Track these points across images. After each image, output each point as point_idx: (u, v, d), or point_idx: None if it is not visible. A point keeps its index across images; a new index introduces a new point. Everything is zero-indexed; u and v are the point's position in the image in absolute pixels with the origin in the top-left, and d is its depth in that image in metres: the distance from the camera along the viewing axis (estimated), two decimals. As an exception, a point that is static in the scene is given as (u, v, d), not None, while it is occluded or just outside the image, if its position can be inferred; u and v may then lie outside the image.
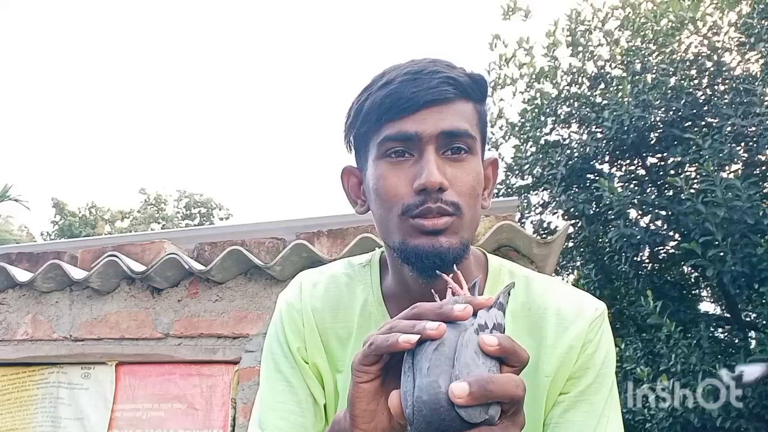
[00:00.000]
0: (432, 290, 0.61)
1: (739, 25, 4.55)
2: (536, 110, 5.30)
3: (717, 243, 3.76)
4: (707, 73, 4.67)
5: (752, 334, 4.67)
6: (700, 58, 4.68)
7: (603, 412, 0.72)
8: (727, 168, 4.25)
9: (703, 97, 4.66)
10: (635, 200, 4.28)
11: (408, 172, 0.68)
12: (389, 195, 0.69)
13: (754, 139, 4.37)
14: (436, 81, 0.68)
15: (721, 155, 4.00)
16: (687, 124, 4.55)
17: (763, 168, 4.56)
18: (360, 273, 0.81)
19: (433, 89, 0.68)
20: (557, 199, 5.05)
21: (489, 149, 0.80)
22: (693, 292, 5.70)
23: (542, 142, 5.32)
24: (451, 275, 0.61)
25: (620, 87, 4.50)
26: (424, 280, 0.69)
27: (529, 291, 0.77)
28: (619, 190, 4.17)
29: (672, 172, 4.68)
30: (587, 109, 4.90)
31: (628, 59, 4.82)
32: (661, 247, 5.09)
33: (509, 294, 0.62)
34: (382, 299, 0.78)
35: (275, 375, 0.77)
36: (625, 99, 4.39)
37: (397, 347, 0.51)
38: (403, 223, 0.69)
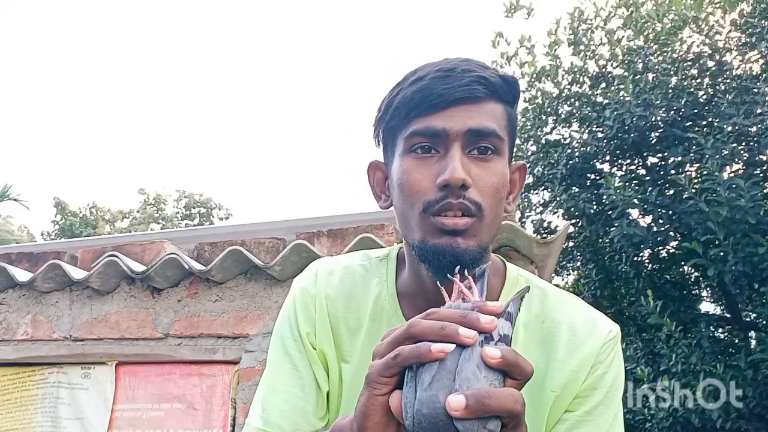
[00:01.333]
0: (443, 290, 0.60)
1: (740, 24, 4.54)
2: (537, 109, 5.29)
3: (718, 242, 3.76)
4: (708, 73, 4.67)
5: (752, 334, 4.67)
6: (702, 57, 4.67)
7: None
8: (728, 168, 4.25)
9: (704, 97, 4.66)
10: (636, 199, 4.28)
11: (432, 168, 0.68)
12: (412, 190, 0.69)
13: (756, 138, 4.37)
14: (467, 79, 0.68)
15: (723, 154, 3.99)
16: (688, 124, 4.54)
17: (764, 168, 4.55)
18: (376, 266, 0.81)
19: (463, 87, 0.68)
20: (558, 198, 5.05)
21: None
22: (693, 292, 5.69)
23: (543, 141, 5.31)
24: (458, 276, 0.60)
25: (621, 86, 4.50)
26: (440, 279, 0.68)
27: (544, 303, 0.77)
28: (617, 191, 4.16)
29: (672, 172, 4.68)
30: (588, 108, 4.89)
31: (630, 58, 4.81)
32: (662, 247, 5.09)
33: (522, 299, 0.61)
34: (396, 294, 0.78)
35: (283, 357, 0.78)
36: (627, 98, 4.38)
37: (430, 357, 0.49)
38: (424, 220, 0.68)
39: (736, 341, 4.82)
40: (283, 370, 0.77)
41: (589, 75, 5.18)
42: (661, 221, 4.48)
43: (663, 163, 4.97)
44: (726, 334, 5.21)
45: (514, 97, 0.73)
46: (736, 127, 4.15)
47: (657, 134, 4.76)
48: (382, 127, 0.76)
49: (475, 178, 0.68)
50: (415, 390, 0.48)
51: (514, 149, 0.76)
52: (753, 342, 4.49)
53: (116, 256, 2.52)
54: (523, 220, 5.53)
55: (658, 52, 4.74)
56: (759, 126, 4.15)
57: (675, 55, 4.67)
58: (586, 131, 5.09)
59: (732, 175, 4.12)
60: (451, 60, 0.72)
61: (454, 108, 0.68)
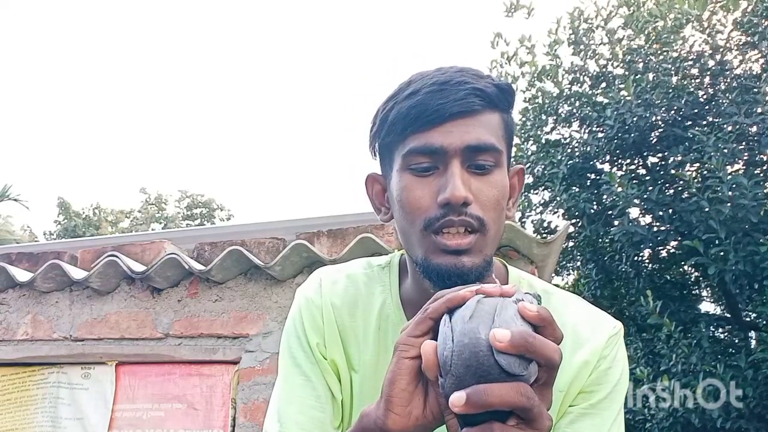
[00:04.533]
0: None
1: (743, 22, 4.53)
2: (537, 109, 5.29)
3: (719, 241, 3.76)
4: (709, 72, 4.66)
5: (753, 334, 4.67)
6: (702, 57, 4.67)
7: (610, 430, 0.71)
8: (728, 167, 4.25)
9: (704, 96, 4.66)
10: (637, 198, 4.28)
11: (432, 185, 0.68)
12: (412, 207, 0.69)
13: (756, 138, 4.37)
14: (462, 93, 0.67)
15: (724, 152, 4.00)
16: (688, 123, 4.55)
17: (765, 168, 4.55)
18: (379, 274, 0.81)
19: (459, 101, 0.67)
20: (558, 198, 5.05)
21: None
22: (693, 291, 5.69)
23: (543, 141, 5.31)
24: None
25: (622, 86, 4.50)
26: None
27: (548, 306, 0.76)
28: (619, 189, 4.16)
29: (672, 171, 4.68)
30: (589, 108, 4.89)
31: (630, 58, 4.81)
32: (662, 247, 5.09)
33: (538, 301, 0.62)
34: (400, 303, 0.78)
35: (294, 369, 0.77)
36: (628, 98, 4.38)
37: (458, 298, 0.52)
38: (426, 238, 0.68)
39: (736, 341, 4.82)
40: (295, 383, 0.76)
41: (590, 75, 5.18)
42: (661, 220, 4.48)
43: (663, 162, 4.97)
44: (726, 334, 5.21)
45: (510, 104, 0.73)
46: (737, 127, 4.15)
47: (657, 134, 4.76)
48: (377, 142, 0.75)
49: (475, 192, 0.67)
50: (452, 330, 0.49)
51: (513, 151, 0.76)
52: (753, 342, 4.49)
53: (116, 256, 2.52)
54: (523, 220, 5.52)
55: (659, 52, 4.74)
56: (759, 125, 4.15)
57: (675, 55, 4.67)
58: (587, 131, 5.09)
59: (733, 174, 4.12)
60: (444, 70, 0.71)
61: (450, 123, 0.67)
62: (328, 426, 0.74)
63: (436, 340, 0.52)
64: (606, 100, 4.72)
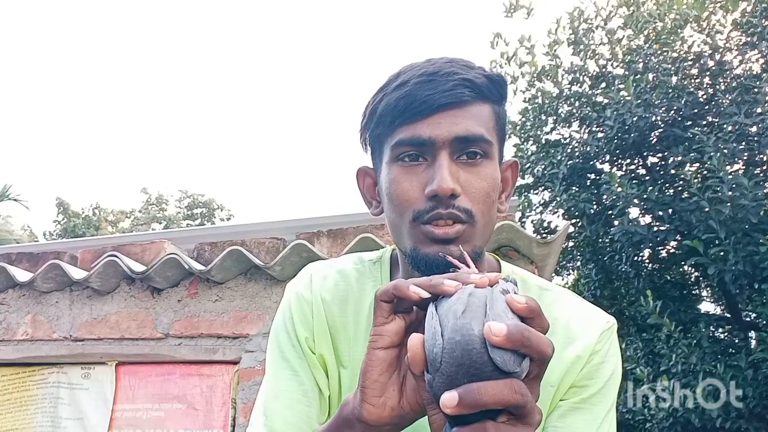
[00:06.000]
0: (449, 258, 0.61)
1: (742, 23, 4.53)
2: (537, 109, 5.29)
3: (719, 241, 3.76)
4: (708, 72, 4.67)
5: (752, 333, 4.67)
6: (702, 57, 4.67)
7: (602, 425, 0.70)
8: (728, 167, 4.25)
9: (704, 96, 4.66)
10: (636, 198, 4.28)
11: (420, 177, 0.67)
12: (401, 200, 0.68)
13: (756, 138, 4.37)
14: (451, 83, 0.67)
15: (724, 152, 4.00)
16: (688, 123, 4.55)
17: (765, 168, 4.55)
18: (370, 269, 0.81)
19: (448, 92, 0.66)
20: (558, 198, 5.05)
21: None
22: (693, 291, 5.70)
23: (543, 141, 5.31)
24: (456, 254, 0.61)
25: (622, 86, 4.50)
26: None
27: (541, 300, 0.74)
28: (619, 189, 4.17)
29: (673, 171, 4.68)
30: (588, 108, 4.89)
31: (630, 58, 4.81)
32: (662, 247, 5.09)
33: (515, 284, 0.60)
34: None
35: (281, 363, 0.76)
36: (627, 98, 4.38)
37: (442, 289, 0.51)
38: (414, 229, 0.68)
39: (736, 341, 4.82)
40: (283, 377, 0.75)
41: (590, 75, 5.18)
42: (661, 220, 4.48)
43: (663, 162, 4.97)
44: (726, 334, 5.21)
45: (502, 96, 0.71)
46: (737, 127, 4.15)
47: (657, 134, 4.76)
48: (367, 134, 0.74)
49: (464, 184, 0.67)
50: (442, 322, 0.48)
51: (511, 147, 0.75)
52: (753, 342, 4.49)
53: (116, 256, 2.52)
54: (523, 220, 5.52)
55: (659, 52, 4.74)
56: (759, 125, 4.16)
57: (675, 55, 4.67)
58: (587, 131, 5.09)
59: (733, 174, 4.12)
60: (434, 61, 0.70)
61: (439, 114, 0.67)
62: (314, 421, 0.74)
63: (417, 330, 0.51)
64: (606, 100, 4.72)
